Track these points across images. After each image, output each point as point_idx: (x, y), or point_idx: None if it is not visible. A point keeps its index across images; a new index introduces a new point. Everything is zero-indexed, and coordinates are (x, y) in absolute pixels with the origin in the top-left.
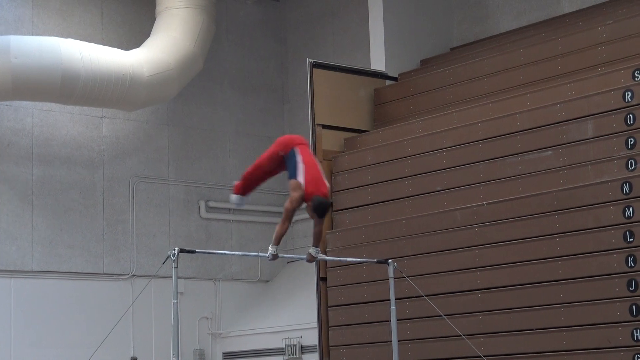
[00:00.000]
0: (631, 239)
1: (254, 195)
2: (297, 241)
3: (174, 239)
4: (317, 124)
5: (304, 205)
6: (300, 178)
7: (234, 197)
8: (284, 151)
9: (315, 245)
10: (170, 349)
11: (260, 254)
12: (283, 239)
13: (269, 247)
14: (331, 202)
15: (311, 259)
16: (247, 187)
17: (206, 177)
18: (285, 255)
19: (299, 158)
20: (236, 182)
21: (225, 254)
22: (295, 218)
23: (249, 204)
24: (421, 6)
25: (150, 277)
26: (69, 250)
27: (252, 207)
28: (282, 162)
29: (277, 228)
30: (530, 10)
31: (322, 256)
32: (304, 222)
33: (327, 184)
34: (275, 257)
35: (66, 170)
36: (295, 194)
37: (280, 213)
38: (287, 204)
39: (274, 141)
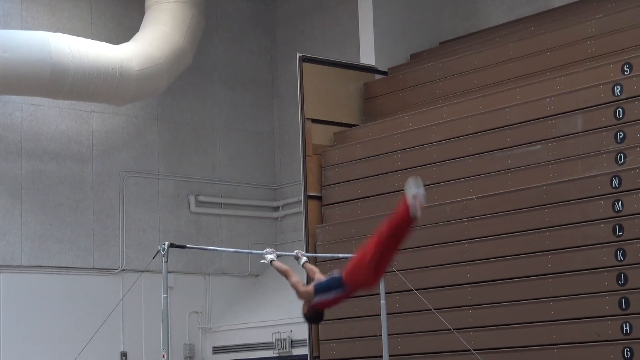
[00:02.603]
0: (620, 233)
1: (245, 189)
2: (287, 235)
3: (163, 233)
4: (307, 118)
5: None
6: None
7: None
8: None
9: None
10: (160, 343)
11: (252, 251)
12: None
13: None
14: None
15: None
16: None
17: (196, 172)
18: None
19: (339, 293)
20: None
21: (215, 250)
22: (283, 212)
23: (239, 198)
24: (411, 0)
25: (140, 271)
26: (58, 245)
27: (242, 201)
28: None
29: (283, 272)
30: (520, 4)
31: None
32: (293, 217)
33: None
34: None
35: (55, 165)
36: (304, 295)
37: (270, 208)
38: (293, 283)
39: (262, 136)
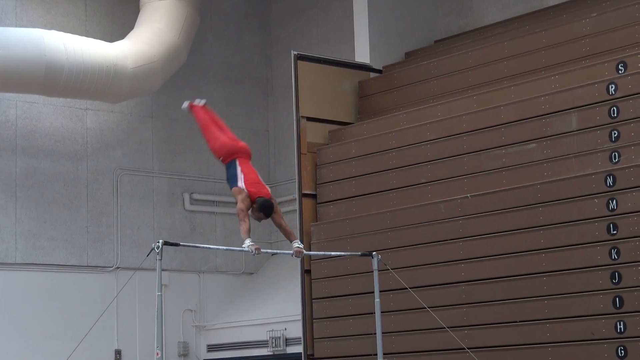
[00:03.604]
0: (615, 232)
1: None
2: (281, 234)
3: (158, 231)
4: (302, 117)
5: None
6: (240, 183)
7: (185, 105)
8: (225, 160)
9: (294, 239)
10: (155, 341)
11: (245, 249)
12: (267, 232)
13: (245, 243)
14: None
15: (300, 252)
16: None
17: (190, 170)
18: (269, 251)
19: (239, 169)
20: (194, 104)
21: (209, 248)
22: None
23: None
24: None
25: (134, 269)
26: (52, 242)
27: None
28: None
29: (241, 228)
30: (514, 2)
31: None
32: (288, 215)
33: (268, 187)
34: (258, 249)
35: (50, 162)
36: (241, 196)
37: None
38: (238, 206)
39: (257, 133)
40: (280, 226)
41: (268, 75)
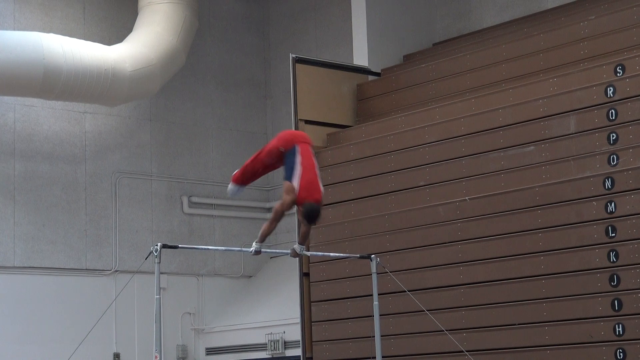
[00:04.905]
0: (613, 234)
1: None
2: (281, 236)
3: (156, 234)
4: (300, 119)
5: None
6: (295, 181)
7: (230, 186)
8: (285, 147)
9: (301, 243)
10: (153, 344)
11: (243, 249)
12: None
13: (253, 243)
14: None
15: (295, 254)
16: (245, 178)
17: (189, 173)
18: (267, 250)
19: (298, 159)
20: (235, 172)
21: (207, 249)
22: None
23: (232, 199)
24: (404, 1)
25: (133, 272)
26: (51, 246)
27: (235, 202)
28: (282, 157)
29: (264, 226)
30: (513, 5)
31: (305, 253)
32: (287, 218)
33: (322, 189)
34: (258, 252)
35: (48, 165)
36: (288, 198)
37: (263, 209)
38: (277, 205)
39: (256, 136)
40: (304, 233)
41: (266, 78)
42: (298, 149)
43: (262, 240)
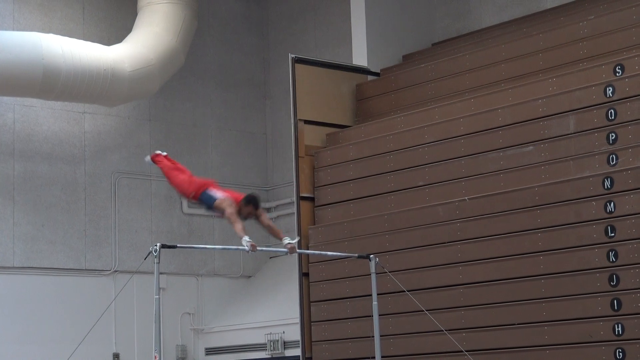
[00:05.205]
0: (612, 234)
1: (237, 190)
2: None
3: (156, 234)
4: (299, 119)
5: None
6: (219, 195)
7: (147, 159)
8: (197, 194)
9: (283, 237)
10: (153, 344)
11: (241, 247)
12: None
13: (242, 240)
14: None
15: (292, 250)
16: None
17: None
18: (265, 249)
19: (212, 192)
20: (159, 154)
21: (205, 248)
22: (275, 213)
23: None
24: (403, 1)
25: (132, 272)
26: (50, 246)
27: None
28: (198, 199)
29: (235, 228)
30: (512, 5)
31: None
32: (286, 218)
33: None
34: (253, 246)
35: (48, 166)
36: (225, 202)
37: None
38: (227, 212)
39: (255, 137)
40: (268, 227)
41: (266, 78)
42: (208, 189)
43: (244, 232)
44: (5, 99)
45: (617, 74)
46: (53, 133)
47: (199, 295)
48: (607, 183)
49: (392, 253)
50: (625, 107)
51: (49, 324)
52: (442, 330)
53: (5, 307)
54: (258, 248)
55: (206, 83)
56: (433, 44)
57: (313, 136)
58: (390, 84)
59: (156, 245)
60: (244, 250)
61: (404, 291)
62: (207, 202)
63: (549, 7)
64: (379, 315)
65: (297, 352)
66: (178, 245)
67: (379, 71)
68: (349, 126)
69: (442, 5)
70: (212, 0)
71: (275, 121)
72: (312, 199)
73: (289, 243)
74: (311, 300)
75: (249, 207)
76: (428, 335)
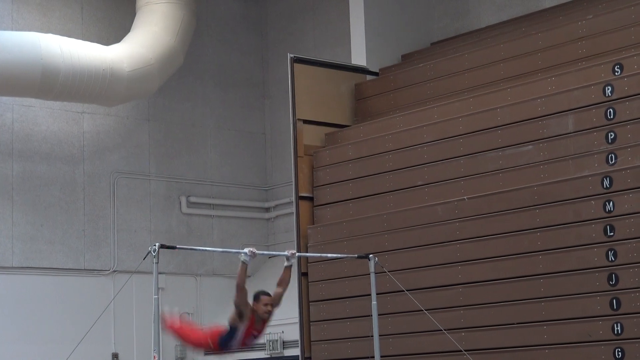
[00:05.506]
0: (611, 233)
1: (236, 190)
2: (278, 236)
3: (155, 234)
4: (298, 119)
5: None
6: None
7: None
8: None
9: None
10: (152, 344)
11: (240, 250)
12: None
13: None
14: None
15: (293, 254)
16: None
17: (187, 173)
18: (265, 252)
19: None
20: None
21: (206, 250)
22: (274, 213)
23: (230, 199)
24: (402, 1)
25: (131, 272)
26: (49, 246)
27: (234, 202)
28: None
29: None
30: (510, 4)
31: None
32: (285, 217)
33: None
34: (253, 253)
35: (46, 166)
36: (236, 315)
37: (262, 208)
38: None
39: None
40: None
41: (264, 77)
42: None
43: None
44: (4, 98)
45: (616, 74)
46: (52, 133)
47: (198, 295)
48: (606, 182)
49: (391, 253)
50: (624, 106)
51: (48, 324)
52: (441, 330)
53: (4, 307)
54: (257, 252)
55: (205, 83)
56: (432, 44)
57: (312, 136)
58: (389, 83)
59: (155, 246)
60: (244, 253)
61: (403, 291)
62: (232, 338)
63: (547, 6)
64: (378, 315)
65: (296, 351)
66: (177, 246)
67: (377, 71)
68: (348, 126)
69: (441, 5)
70: (211, 0)
71: (274, 121)
72: (311, 199)
73: (287, 265)
74: (310, 300)
75: (265, 297)
76: (427, 335)
